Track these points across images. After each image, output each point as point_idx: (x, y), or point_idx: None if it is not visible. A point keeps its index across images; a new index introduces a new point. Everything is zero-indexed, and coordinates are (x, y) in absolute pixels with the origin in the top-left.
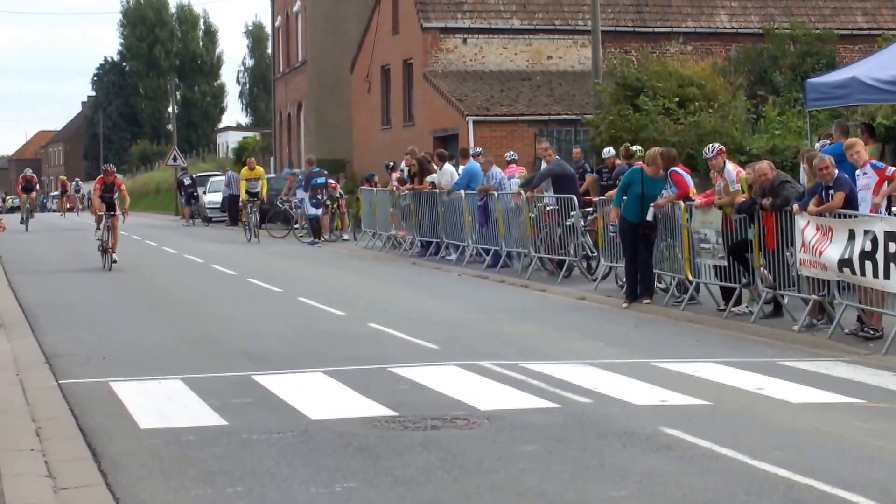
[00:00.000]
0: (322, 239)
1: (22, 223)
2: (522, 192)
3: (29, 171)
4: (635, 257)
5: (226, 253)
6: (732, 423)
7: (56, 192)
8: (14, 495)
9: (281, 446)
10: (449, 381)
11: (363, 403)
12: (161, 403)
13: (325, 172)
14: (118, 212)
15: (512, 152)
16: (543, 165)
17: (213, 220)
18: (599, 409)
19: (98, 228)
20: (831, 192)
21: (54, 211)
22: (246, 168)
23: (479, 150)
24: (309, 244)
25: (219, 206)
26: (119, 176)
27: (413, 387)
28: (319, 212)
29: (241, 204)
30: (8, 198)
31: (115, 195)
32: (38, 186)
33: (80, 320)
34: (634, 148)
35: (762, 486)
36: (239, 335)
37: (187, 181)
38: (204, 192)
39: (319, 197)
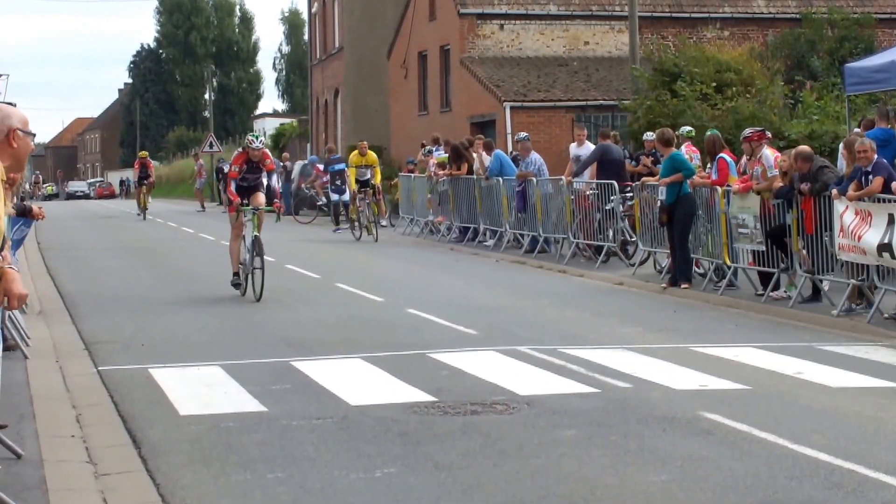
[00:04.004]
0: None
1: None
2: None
3: (259, 142)
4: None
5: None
6: (772, 408)
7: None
8: (55, 481)
9: (321, 432)
10: (488, 366)
11: (403, 389)
12: (201, 390)
13: (344, 158)
14: None
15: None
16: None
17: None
18: (639, 393)
19: None
20: (870, 176)
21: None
22: (356, 153)
23: (524, 134)
24: (333, 231)
25: None
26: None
27: (453, 372)
28: (339, 198)
29: (350, 195)
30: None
31: None
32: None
33: (119, 307)
34: (685, 129)
35: (803, 470)
36: (278, 321)
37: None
38: None
39: (339, 183)
